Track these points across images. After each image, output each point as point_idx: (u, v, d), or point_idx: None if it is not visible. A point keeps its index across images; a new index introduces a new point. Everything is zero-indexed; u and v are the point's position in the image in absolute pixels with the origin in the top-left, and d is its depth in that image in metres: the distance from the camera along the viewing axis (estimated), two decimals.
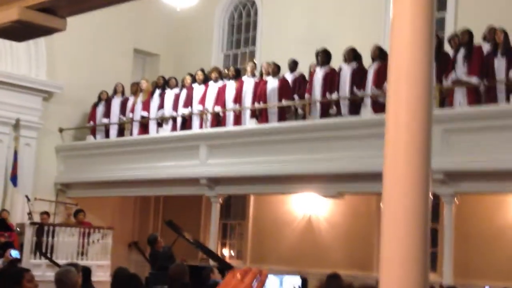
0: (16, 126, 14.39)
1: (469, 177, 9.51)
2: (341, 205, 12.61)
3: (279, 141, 11.55)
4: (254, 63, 13.26)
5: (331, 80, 11.52)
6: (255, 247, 14.20)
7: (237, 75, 13.12)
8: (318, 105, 11.59)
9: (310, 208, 13.20)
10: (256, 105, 12.39)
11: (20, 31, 3.19)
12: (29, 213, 13.44)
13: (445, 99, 10.19)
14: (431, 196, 2.27)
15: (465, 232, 10.77)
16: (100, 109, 15.07)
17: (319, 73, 11.72)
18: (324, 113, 11.51)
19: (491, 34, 10.05)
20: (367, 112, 10.93)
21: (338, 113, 11.41)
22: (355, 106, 11.26)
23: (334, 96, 11.45)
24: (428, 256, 2.27)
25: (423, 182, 2.24)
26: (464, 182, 9.56)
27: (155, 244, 11.68)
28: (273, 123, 12.02)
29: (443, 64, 10.11)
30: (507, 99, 9.59)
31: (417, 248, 2.22)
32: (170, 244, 11.26)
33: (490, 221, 11.05)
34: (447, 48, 10.66)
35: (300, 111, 12.13)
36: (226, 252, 14.76)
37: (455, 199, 9.72)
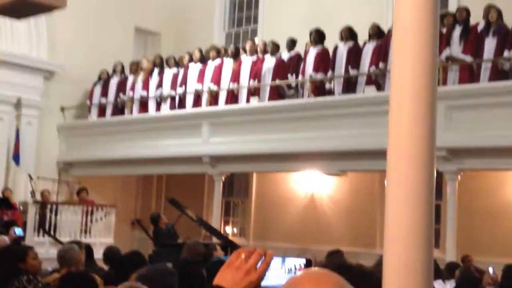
0: (18, 105, 14.37)
1: (472, 153, 9.49)
2: (344, 182, 12.63)
3: (281, 119, 11.51)
4: (254, 42, 13.13)
5: (323, 59, 11.45)
6: (258, 224, 14.24)
7: (237, 54, 13.01)
8: (308, 84, 11.51)
9: (312, 186, 13.22)
10: (251, 83, 12.31)
11: (20, 9, 3.16)
12: (32, 192, 13.48)
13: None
14: (435, 173, 2.26)
15: (468, 209, 10.78)
16: (98, 88, 15.03)
17: (312, 52, 11.65)
18: (319, 92, 11.43)
19: (485, 12, 10.03)
20: (369, 90, 10.87)
21: (334, 92, 11.35)
22: (350, 85, 11.19)
23: (329, 75, 11.38)
24: (432, 233, 2.26)
25: (428, 159, 2.22)
26: (467, 159, 9.55)
27: (158, 222, 11.71)
28: (276, 102, 11.95)
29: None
30: (506, 77, 9.54)
31: (422, 225, 2.22)
32: (173, 222, 11.29)
33: (493, 198, 11.07)
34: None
35: (299, 89, 12.04)
36: (229, 229, 14.81)
37: (458, 175, 9.71)
